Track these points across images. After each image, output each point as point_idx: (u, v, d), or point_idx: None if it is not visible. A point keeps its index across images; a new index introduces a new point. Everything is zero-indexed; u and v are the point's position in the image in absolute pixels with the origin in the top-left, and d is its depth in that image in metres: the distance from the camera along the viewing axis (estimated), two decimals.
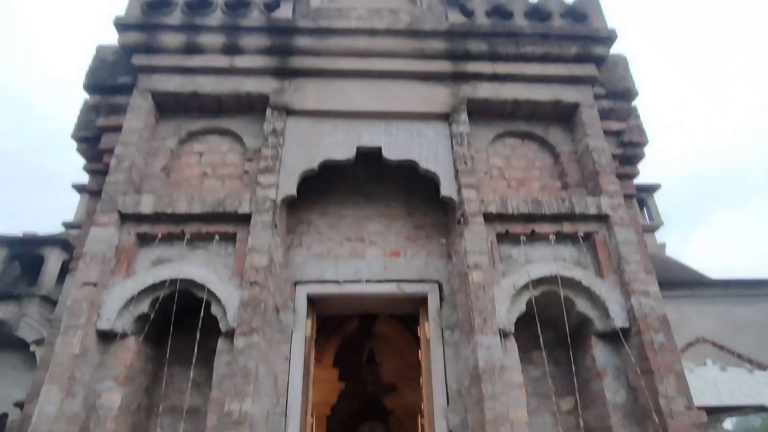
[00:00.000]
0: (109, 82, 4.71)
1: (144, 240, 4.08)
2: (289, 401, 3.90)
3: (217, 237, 4.04)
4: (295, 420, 3.85)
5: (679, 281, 9.06)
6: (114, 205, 4.00)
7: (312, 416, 4.26)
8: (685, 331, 8.41)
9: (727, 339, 8.47)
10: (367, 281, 4.34)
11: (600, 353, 3.94)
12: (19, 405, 5.27)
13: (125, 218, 4.03)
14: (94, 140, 4.74)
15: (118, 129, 4.41)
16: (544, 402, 4.16)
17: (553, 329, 4.33)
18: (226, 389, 3.43)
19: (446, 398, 3.98)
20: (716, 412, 9.25)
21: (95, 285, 3.70)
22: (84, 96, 4.91)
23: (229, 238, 4.07)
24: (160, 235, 4.03)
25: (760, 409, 8.29)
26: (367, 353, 7.03)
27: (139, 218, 4.05)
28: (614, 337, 3.91)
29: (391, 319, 6.63)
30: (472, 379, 3.64)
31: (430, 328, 4.24)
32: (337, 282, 4.34)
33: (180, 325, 4.04)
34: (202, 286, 3.84)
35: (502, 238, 4.15)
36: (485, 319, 3.65)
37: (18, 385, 8.03)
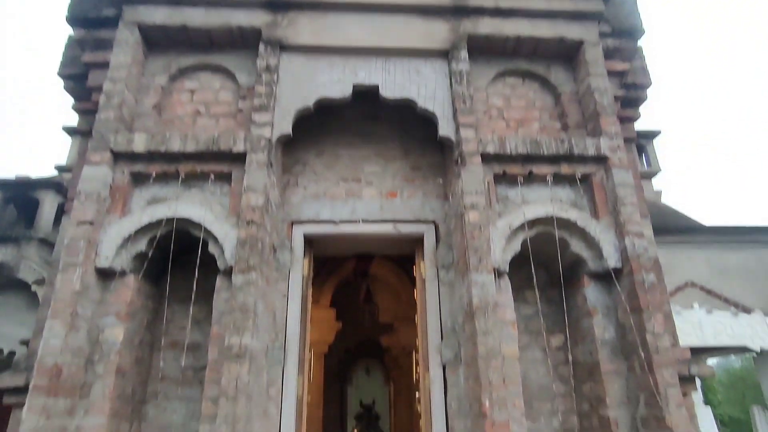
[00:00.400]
0: (93, 14, 4.49)
1: (138, 179, 4.04)
2: (288, 337, 4.01)
3: (212, 176, 4.01)
4: (293, 354, 3.98)
5: (672, 228, 9.16)
6: (106, 143, 3.92)
7: (310, 351, 4.39)
8: (675, 276, 8.59)
9: (715, 283, 8.66)
10: (364, 221, 4.36)
11: (591, 293, 4.03)
12: (25, 343, 5.41)
13: (118, 157, 3.97)
14: (81, 77, 4.59)
15: (105, 65, 4.26)
16: (535, 338, 4.30)
17: (546, 269, 4.40)
18: (225, 324, 3.51)
19: (440, 334, 4.10)
20: (700, 352, 9.63)
21: (91, 223, 3.69)
22: (69, 30, 4.71)
23: (225, 178, 4.03)
24: (154, 174, 3.99)
25: (740, 349, 8.63)
26: (364, 293, 7.18)
27: (132, 157, 3.99)
28: (606, 277, 3.99)
29: (388, 261, 6.73)
30: (466, 316, 3.73)
31: (426, 268, 4.30)
32: (333, 222, 4.35)
33: (179, 264, 4.08)
34: (198, 225, 3.85)
35: (500, 178, 4.13)
36: (480, 258, 3.69)
37: (23, 325, 8.21)
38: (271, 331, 3.99)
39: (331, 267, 6.94)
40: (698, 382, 10.78)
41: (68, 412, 3.35)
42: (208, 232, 3.83)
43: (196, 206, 3.91)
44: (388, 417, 7.72)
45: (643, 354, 3.58)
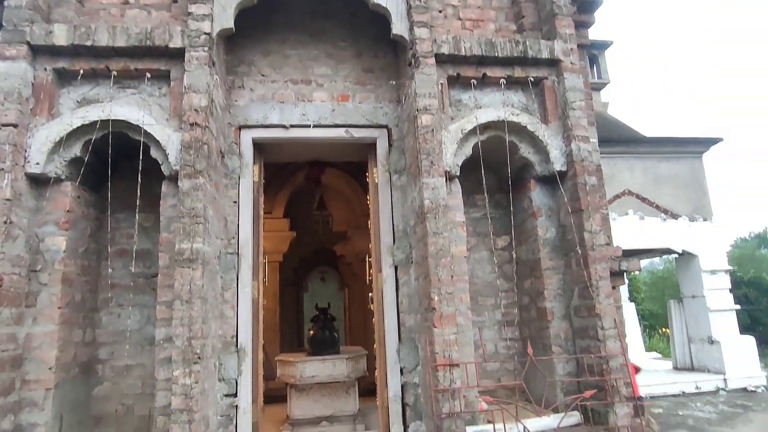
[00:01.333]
0: None
1: (64, 77, 3.68)
2: (241, 242, 4.00)
3: (148, 75, 3.70)
4: (247, 259, 4.00)
5: (616, 138, 9.51)
6: (21, 35, 3.50)
7: (264, 258, 4.42)
8: (615, 185, 9.07)
9: (650, 192, 9.24)
10: (315, 126, 4.23)
11: (537, 195, 4.20)
12: None
13: (37, 51, 3.57)
14: None
15: None
16: (482, 240, 4.52)
17: (496, 174, 4.51)
18: (175, 230, 3.43)
19: (393, 237, 4.21)
20: (632, 254, 10.50)
21: (15, 126, 3.38)
22: None
23: (162, 77, 3.74)
24: (82, 72, 3.64)
25: (665, 251, 9.46)
26: (316, 201, 7.19)
27: (53, 51, 3.59)
28: (551, 180, 4.14)
29: (340, 170, 6.69)
30: (418, 218, 3.82)
31: (378, 173, 4.31)
32: (283, 126, 4.20)
33: (121, 171, 3.89)
34: (137, 129, 3.61)
35: (453, 81, 4.06)
36: (432, 161, 3.72)
37: None
38: (223, 237, 3.96)
39: (284, 177, 6.83)
40: (625, 281, 11.85)
41: (16, 321, 3.28)
42: (148, 135, 3.61)
43: (133, 108, 3.65)
44: (343, 321, 8.11)
45: (580, 251, 3.84)
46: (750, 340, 8.91)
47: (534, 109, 4.19)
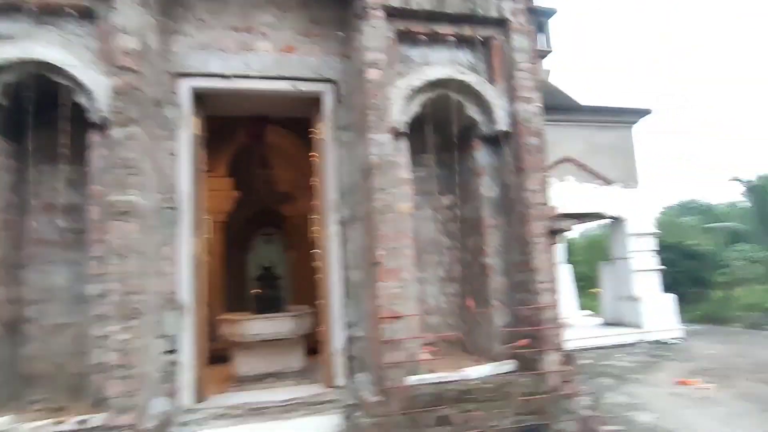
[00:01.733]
0: None
1: None
2: (180, 197, 3.83)
3: (71, 11, 3.39)
4: (187, 214, 3.85)
5: (557, 106, 9.81)
6: None
7: (207, 215, 4.28)
8: (556, 151, 9.40)
9: (588, 159, 9.66)
10: (259, 77, 4.05)
11: (481, 155, 4.28)
12: None
13: None
14: None
15: None
16: (428, 198, 4.58)
17: (442, 133, 4.54)
18: (106, 182, 3.25)
19: (338, 194, 4.18)
20: (569, 218, 11.05)
21: None
22: None
23: (87, 15, 3.43)
24: None
25: (599, 216, 10.01)
26: (259, 160, 7.00)
27: None
28: (495, 141, 4.22)
29: (285, 129, 6.51)
30: (364, 174, 3.81)
31: (325, 129, 4.22)
32: (224, 76, 3.99)
33: (45, 120, 3.57)
34: (61, 71, 3.33)
35: (403, 37, 4.00)
36: (380, 117, 3.69)
37: None
38: (161, 191, 3.77)
39: (226, 134, 6.56)
40: (562, 243, 12.45)
41: None
42: (73, 79, 3.34)
43: (55, 48, 3.35)
44: (290, 281, 8.08)
45: (520, 209, 3.99)
46: (669, 298, 9.70)
47: (481, 68, 4.22)
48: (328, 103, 4.22)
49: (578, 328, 10.13)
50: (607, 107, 10.00)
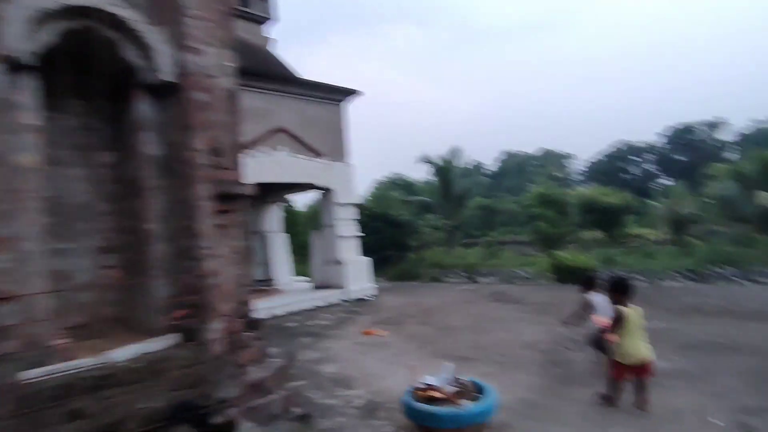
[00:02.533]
0: None
1: None
2: None
3: None
4: None
5: (273, 75, 9.81)
6: None
7: None
8: (271, 121, 9.39)
9: (302, 131, 9.98)
10: None
11: (144, 107, 3.74)
12: None
13: None
14: None
15: None
16: (81, 154, 3.81)
17: (99, 77, 3.81)
18: None
19: None
20: (283, 188, 11.32)
21: None
22: None
23: None
24: None
25: (311, 186, 10.57)
26: None
27: None
28: (161, 92, 3.75)
29: None
30: None
31: None
32: None
33: None
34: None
35: None
36: None
37: None
38: None
39: None
40: (283, 214, 12.76)
41: None
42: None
43: None
44: None
45: (185, 170, 3.65)
46: (366, 260, 11.01)
47: (142, 5, 3.65)
48: None
49: (291, 293, 10.61)
50: (320, 83, 10.46)
